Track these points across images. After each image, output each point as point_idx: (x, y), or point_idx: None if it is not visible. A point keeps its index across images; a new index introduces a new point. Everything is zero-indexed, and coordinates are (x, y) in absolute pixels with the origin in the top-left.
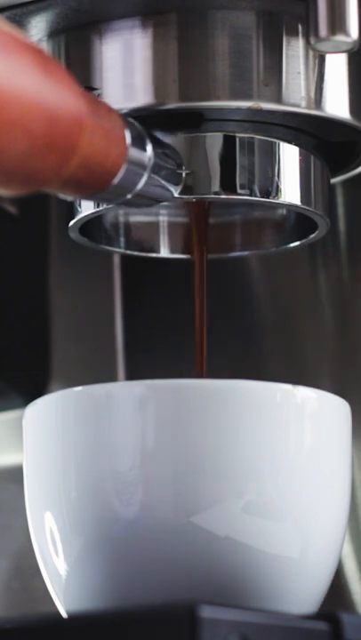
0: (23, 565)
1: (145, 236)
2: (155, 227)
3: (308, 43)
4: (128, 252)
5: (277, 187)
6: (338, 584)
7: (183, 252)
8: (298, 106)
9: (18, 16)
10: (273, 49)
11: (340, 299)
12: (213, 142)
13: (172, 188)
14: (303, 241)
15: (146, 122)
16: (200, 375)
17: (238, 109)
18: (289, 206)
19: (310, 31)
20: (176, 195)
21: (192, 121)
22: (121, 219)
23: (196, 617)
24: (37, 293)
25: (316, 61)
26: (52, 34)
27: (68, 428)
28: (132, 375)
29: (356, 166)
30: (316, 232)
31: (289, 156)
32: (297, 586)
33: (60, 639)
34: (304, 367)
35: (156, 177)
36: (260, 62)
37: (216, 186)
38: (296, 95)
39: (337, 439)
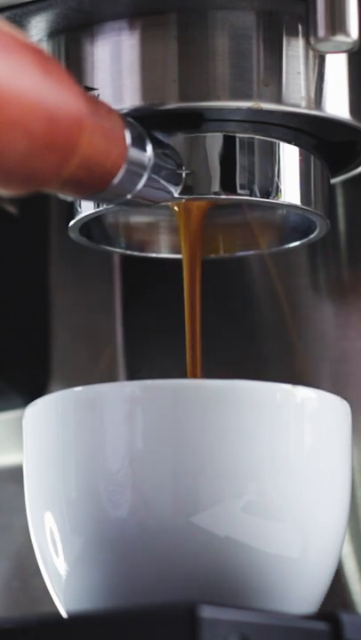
0: (23, 565)
1: (145, 236)
2: (155, 227)
3: (308, 43)
4: (128, 252)
5: (277, 187)
6: (338, 584)
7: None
8: (298, 106)
9: (18, 16)
10: (273, 49)
11: (341, 299)
12: (213, 142)
13: (172, 189)
14: (303, 241)
15: (146, 122)
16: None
17: (238, 109)
18: (289, 206)
19: (310, 31)
20: (176, 195)
21: (192, 121)
22: (121, 219)
23: (196, 617)
24: (37, 293)
25: (316, 61)
26: (52, 34)
27: (68, 428)
28: (132, 375)
29: (357, 166)
30: (316, 232)
31: (289, 156)
32: (297, 586)
33: (59, 639)
34: (304, 367)
35: (156, 177)
36: (260, 62)
37: (216, 186)
38: (296, 95)
39: (337, 439)
